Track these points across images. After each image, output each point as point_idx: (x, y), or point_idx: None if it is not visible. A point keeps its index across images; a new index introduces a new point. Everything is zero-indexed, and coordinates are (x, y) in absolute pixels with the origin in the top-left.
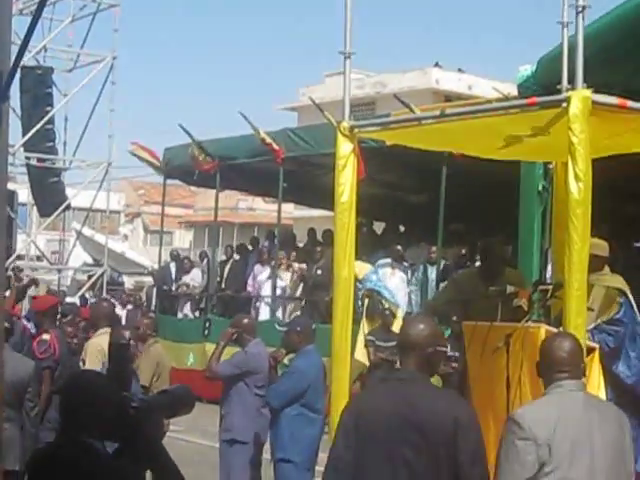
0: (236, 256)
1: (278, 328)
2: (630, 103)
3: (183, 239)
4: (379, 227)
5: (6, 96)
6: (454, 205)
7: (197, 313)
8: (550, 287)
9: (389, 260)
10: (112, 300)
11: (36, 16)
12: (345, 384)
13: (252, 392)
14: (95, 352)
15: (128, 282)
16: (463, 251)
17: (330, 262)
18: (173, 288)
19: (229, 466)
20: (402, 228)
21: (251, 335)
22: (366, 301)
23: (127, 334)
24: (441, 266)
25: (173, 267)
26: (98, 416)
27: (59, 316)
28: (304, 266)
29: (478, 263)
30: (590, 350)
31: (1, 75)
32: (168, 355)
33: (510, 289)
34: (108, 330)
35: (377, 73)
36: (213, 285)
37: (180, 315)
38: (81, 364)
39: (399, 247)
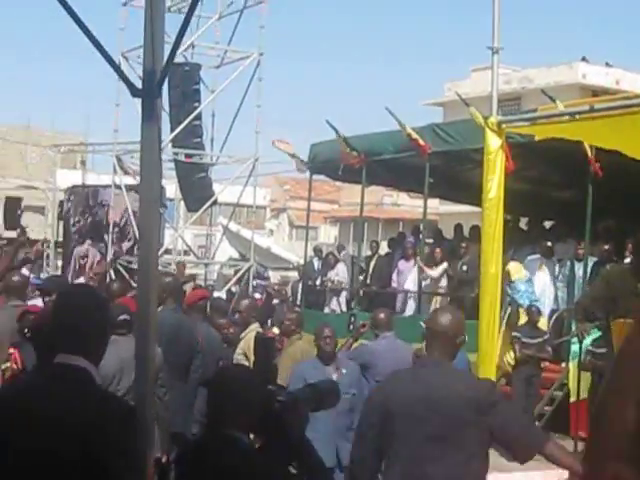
0: (383, 251)
1: (423, 325)
2: None
3: (328, 234)
4: (523, 223)
5: (159, 93)
6: (602, 201)
7: (344, 308)
8: None
9: (538, 255)
10: (257, 295)
11: (189, 14)
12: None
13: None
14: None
15: (274, 277)
16: (606, 247)
17: (475, 258)
18: (317, 283)
19: None
20: (546, 224)
21: (382, 330)
22: (508, 309)
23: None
24: (589, 263)
25: (317, 262)
26: (244, 410)
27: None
28: (435, 272)
29: (628, 259)
30: None
31: (154, 73)
32: (311, 350)
33: None
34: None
35: (523, 68)
36: (358, 280)
37: (327, 310)
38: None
39: (549, 242)
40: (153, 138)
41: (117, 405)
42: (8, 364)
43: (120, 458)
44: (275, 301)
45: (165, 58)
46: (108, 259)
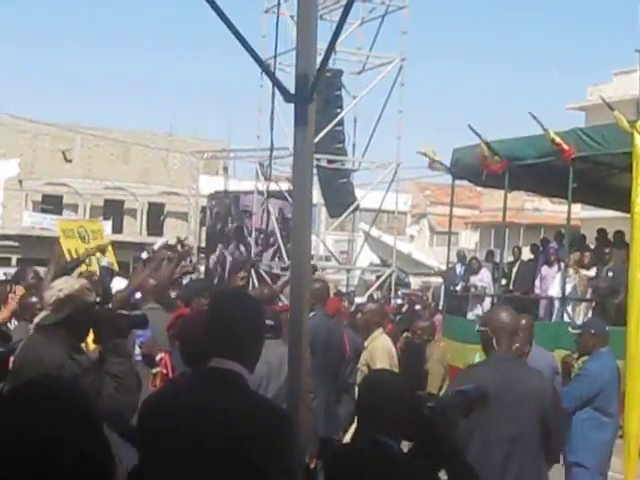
0: (525, 257)
1: (571, 331)
2: None
3: (469, 240)
4: None
5: (312, 98)
6: None
7: None
8: None
9: None
10: (399, 301)
11: (342, 20)
12: (638, 394)
13: None
14: (385, 354)
15: (414, 283)
16: None
17: (620, 264)
18: (458, 288)
19: None
20: None
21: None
22: None
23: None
24: None
25: (459, 267)
26: (394, 416)
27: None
28: (590, 272)
29: None
30: None
31: (307, 78)
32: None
33: None
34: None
35: None
36: (500, 286)
37: (470, 316)
38: (364, 367)
39: None
40: (306, 143)
41: (277, 412)
42: (158, 369)
43: (278, 466)
44: (417, 307)
45: (317, 64)
46: (250, 264)
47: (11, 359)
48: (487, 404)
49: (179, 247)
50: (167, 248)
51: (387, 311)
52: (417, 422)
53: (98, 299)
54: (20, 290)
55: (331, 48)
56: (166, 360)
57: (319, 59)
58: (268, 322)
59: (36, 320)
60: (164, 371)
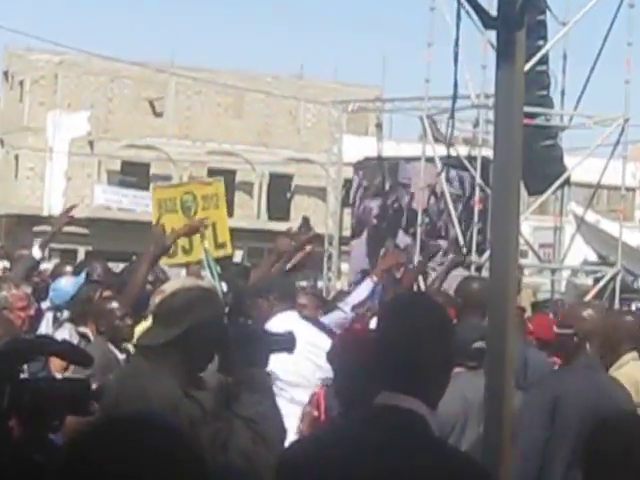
0: None
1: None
2: None
3: None
4: None
5: (522, 22)
6: None
7: None
8: None
9: None
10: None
11: None
12: None
13: None
14: (628, 388)
15: None
16: None
17: None
18: None
19: None
20: None
21: None
22: None
23: None
24: None
25: None
26: None
27: None
28: None
29: None
30: None
31: None
32: None
33: None
34: (635, 356)
35: None
36: None
37: None
38: None
39: None
40: (514, 84)
41: (472, 469)
42: (308, 408)
43: None
44: None
45: None
46: (416, 258)
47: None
48: None
49: (300, 229)
50: (291, 237)
51: None
52: None
53: (226, 309)
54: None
55: None
56: (320, 397)
57: None
58: (479, 345)
59: (138, 338)
60: (315, 413)
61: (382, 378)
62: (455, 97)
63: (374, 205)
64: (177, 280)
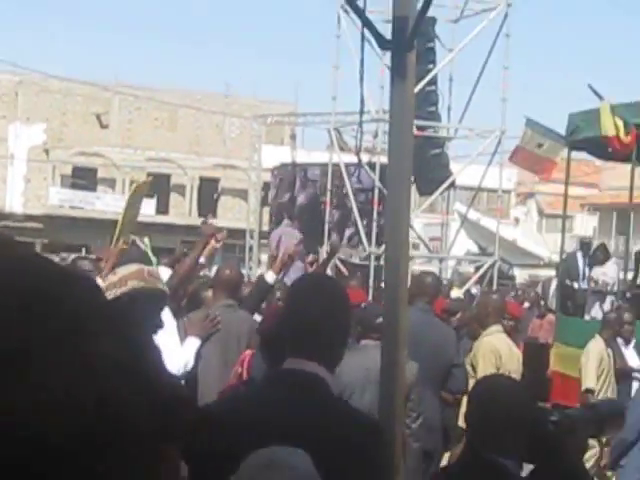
0: None
1: None
2: None
3: (585, 225)
4: None
5: (412, 45)
6: None
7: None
8: None
9: None
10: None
11: None
12: None
13: None
14: (489, 354)
15: (520, 276)
16: None
17: None
18: (577, 285)
19: None
20: None
21: None
22: None
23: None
24: None
25: (581, 258)
26: (512, 430)
27: None
28: None
29: None
30: None
31: (406, 21)
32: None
33: None
34: (499, 328)
35: None
36: (626, 281)
37: (587, 317)
38: (469, 367)
39: None
40: (405, 100)
41: (361, 419)
42: (237, 367)
43: None
44: (525, 305)
45: (418, 4)
46: (325, 249)
47: None
48: (623, 422)
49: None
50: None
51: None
52: (538, 439)
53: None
54: None
55: None
56: (245, 358)
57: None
58: (378, 320)
59: None
60: (239, 370)
61: (290, 346)
62: (362, 111)
63: (288, 202)
64: (128, 266)
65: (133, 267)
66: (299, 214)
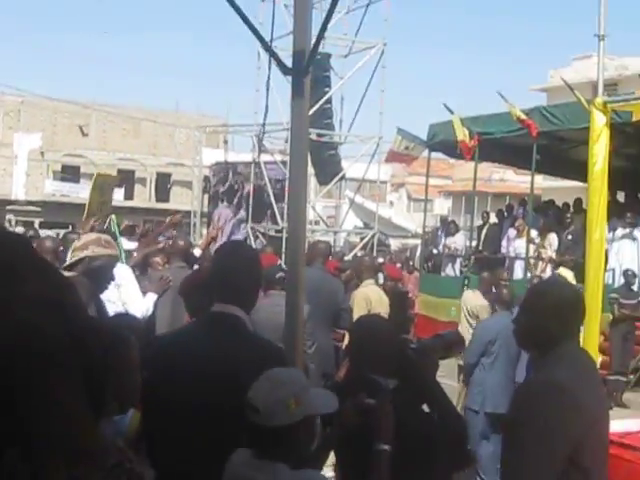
0: (493, 220)
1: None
2: None
3: (442, 206)
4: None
5: (307, 72)
6: None
7: (457, 271)
8: None
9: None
10: (381, 259)
11: (330, 10)
12: (595, 339)
13: None
14: (362, 301)
15: (394, 244)
16: None
17: (580, 228)
18: (436, 250)
19: None
20: None
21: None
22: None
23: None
24: None
25: (441, 231)
26: (381, 355)
27: None
28: (553, 235)
29: None
30: None
31: (303, 53)
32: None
33: None
34: (372, 281)
35: (619, 57)
36: (471, 247)
37: (443, 274)
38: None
39: (629, 215)
40: (302, 114)
41: (269, 347)
42: None
43: None
44: (398, 265)
45: (312, 41)
46: (247, 225)
47: None
48: (462, 348)
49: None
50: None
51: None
52: (402, 361)
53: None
54: None
55: (322, 32)
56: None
57: (312, 41)
58: (279, 275)
59: None
60: None
61: (216, 295)
62: (264, 123)
63: (221, 188)
64: (90, 234)
65: (93, 235)
66: (246, 199)
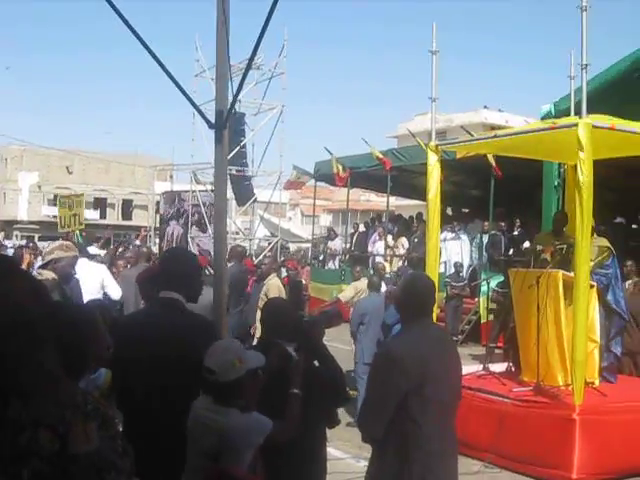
0: (362, 229)
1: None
2: (618, 126)
3: (326, 220)
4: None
5: (225, 126)
6: (498, 195)
7: (337, 265)
8: (565, 246)
9: (452, 234)
10: (282, 258)
11: (242, 81)
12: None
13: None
14: (276, 289)
15: (292, 247)
16: (502, 224)
17: (421, 233)
18: (322, 250)
19: None
20: (465, 210)
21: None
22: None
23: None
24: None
25: (324, 237)
26: (284, 325)
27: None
28: (404, 239)
29: (515, 232)
30: (592, 286)
31: (222, 113)
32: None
33: (539, 247)
34: (274, 275)
35: (447, 113)
36: (346, 248)
37: (326, 268)
38: (264, 295)
39: (455, 223)
40: (222, 157)
41: (201, 319)
42: None
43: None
44: (295, 261)
45: (228, 104)
46: (188, 236)
47: None
48: (341, 320)
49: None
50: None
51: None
52: (299, 330)
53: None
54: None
55: (236, 97)
56: None
57: (229, 104)
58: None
59: None
60: None
61: (163, 284)
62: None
63: (170, 210)
64: (55, 242)
65: (57, 243)
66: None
